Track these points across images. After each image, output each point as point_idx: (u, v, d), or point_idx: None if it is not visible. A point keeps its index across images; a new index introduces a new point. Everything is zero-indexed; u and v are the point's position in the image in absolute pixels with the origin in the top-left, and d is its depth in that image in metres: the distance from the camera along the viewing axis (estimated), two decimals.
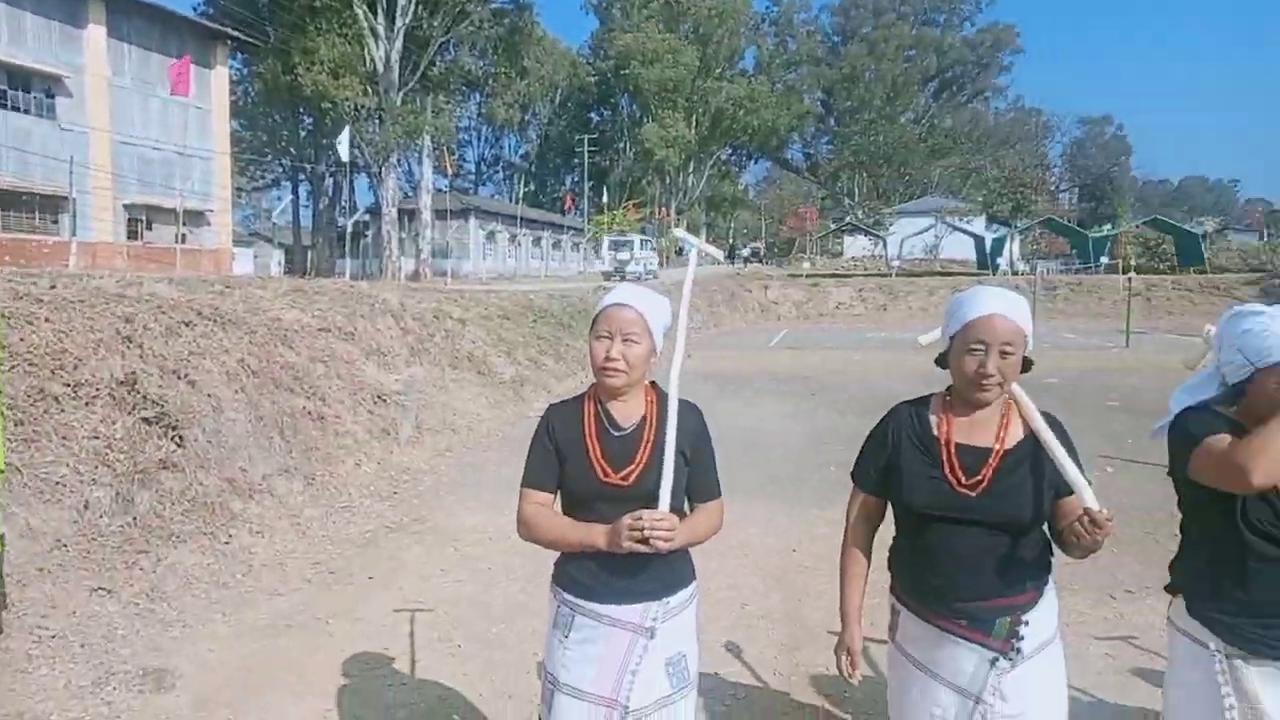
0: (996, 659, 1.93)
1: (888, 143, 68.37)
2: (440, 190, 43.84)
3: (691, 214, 63.07)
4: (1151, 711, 2.27)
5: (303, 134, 46.61)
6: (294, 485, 6.52)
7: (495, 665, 4.02)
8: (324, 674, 3.92)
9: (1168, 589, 2.09)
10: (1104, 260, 40.16)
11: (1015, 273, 39.11)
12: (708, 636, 4.26)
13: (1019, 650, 1.93)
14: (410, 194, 41.72)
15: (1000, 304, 1.94)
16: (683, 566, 2.14)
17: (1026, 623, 1.95)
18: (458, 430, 9.36)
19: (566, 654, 2.08)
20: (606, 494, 2.04)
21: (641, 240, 38.51)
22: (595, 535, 2.00)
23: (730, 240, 65.87)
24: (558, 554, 2.17)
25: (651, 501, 1.97)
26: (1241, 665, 1.89)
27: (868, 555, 2.18)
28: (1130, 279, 25.47)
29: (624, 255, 36.21)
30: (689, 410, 2.12)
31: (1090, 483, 1.89)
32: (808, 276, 39.03)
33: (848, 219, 57.50)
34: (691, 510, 2.16)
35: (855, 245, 57.06)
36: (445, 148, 39.62)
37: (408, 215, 38.40)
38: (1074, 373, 15.04)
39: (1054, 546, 2.04)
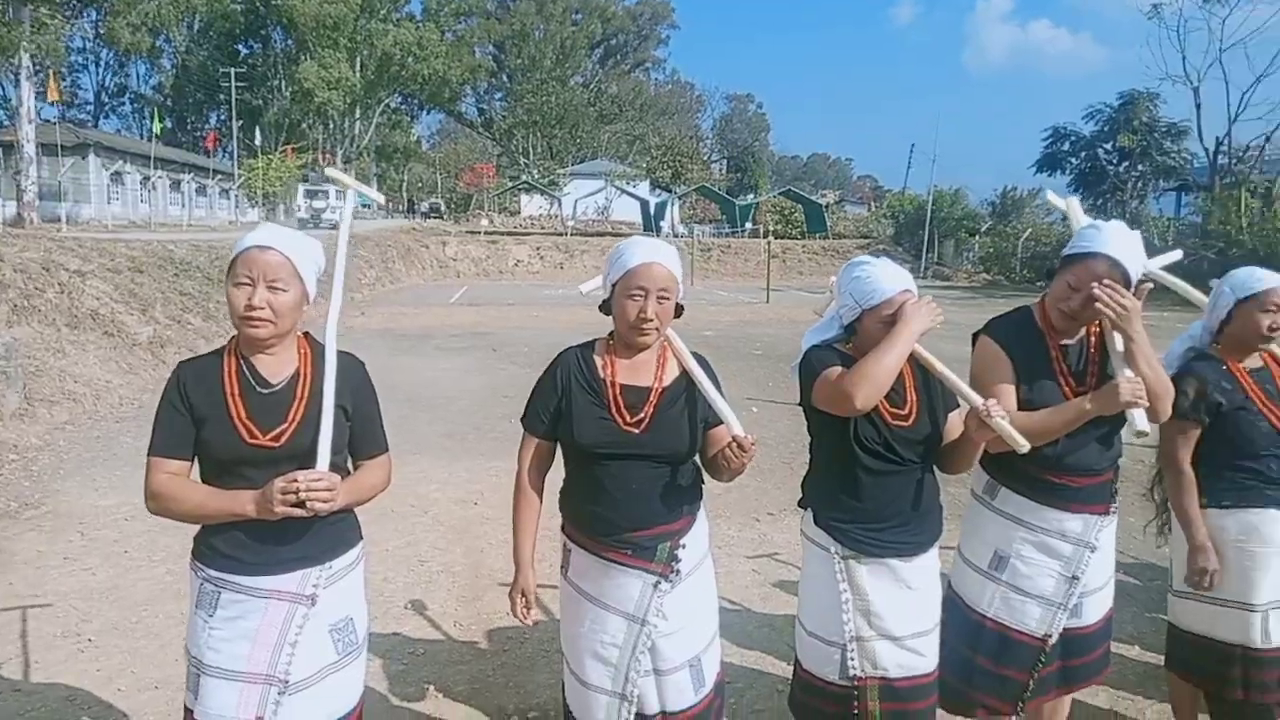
0: (659, 582, 2.08)
1: (559, 104, 69.60)
2: (49, 121, 36.88)
3: (360, 163, 59.48)
4: (790, 616, 2.59)
5: None
6: None
7: (137, 656, 3.56)
8: None
9: (800, 504, 2.38)
10: (749, 226, 44.74)
11: (676, 235, 42.15)
12: (386, 596, 4.14)
13: (678, 571, 2.10)
14: (7, 123, 34.62)
15: (657, 253, 2.09)
16: (346, 528, 2.03)
17: (684, 545, 2.12)
18: (80, 400, 8.08)
19: (212, 634, 1.89)
20: (254, 457, 1.86)
21: (337, 191, 36.90)
22: (241, 502, 1.82)
23: (406, 194, 63.29)
24: (198, 528, 1.94)
25: (308, 461, 1.84)
26: (854, 564, 2.20)
27: (540, 497, 2.23)
28: (769, 243, 28.70)
29: (320, 204, 34.79)
30: (349, 362, 2.00)
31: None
32: (486, 234, 38.94)
33: (524, 178, 57.96)
34: (355, 468, 2.04)
35: (532, 204, 57.75)
36: (53, 71, 33.33)
37: (4, 148, 31.84)
38: (725, 325, 16.69)
39: (704, 473, 2.23)
